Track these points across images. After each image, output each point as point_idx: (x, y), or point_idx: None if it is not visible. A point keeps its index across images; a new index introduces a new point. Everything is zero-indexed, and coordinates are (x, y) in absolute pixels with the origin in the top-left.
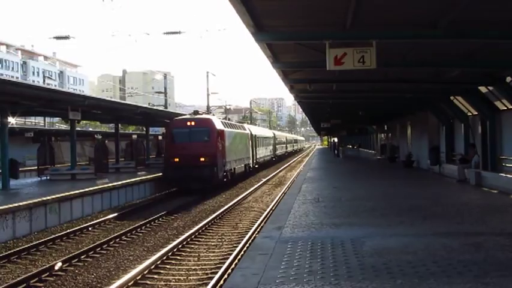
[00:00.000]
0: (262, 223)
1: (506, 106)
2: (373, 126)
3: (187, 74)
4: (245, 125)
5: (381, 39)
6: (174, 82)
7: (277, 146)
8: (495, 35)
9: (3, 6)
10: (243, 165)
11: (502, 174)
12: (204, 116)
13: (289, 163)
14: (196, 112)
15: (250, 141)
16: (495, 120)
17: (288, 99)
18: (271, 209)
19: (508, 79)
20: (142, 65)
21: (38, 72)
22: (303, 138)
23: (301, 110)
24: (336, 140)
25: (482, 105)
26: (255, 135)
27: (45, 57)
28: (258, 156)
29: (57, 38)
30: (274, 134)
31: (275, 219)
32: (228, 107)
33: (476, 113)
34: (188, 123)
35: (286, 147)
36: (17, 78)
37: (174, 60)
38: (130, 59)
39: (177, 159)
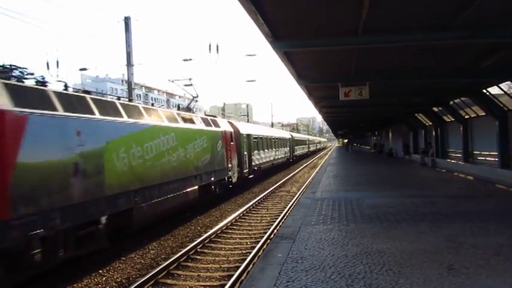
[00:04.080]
0: (305, 189)
1: (449, 119)
2: (368, 132)
3: (261, 103)
4: (218, 119)
5: (371, 81)
6: (253, 109)
7: (296, 147)
8: (440, 76)
9: (157, 69)
10: (196, 187)
11: (448, 160)
12: None
13: (319, 155)
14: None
15: (230, 144)
16: (443, 128)
17: (318, 117)
18: (309, 181)
19: (451, 103)
20: (235, 99)
21: (175, 106)
22: (325, 140)
23: (326, 123)
24: (346, 140)
25: (435, 119)
26: (249, 134)
27: (179, 96)
28: (257, 162)
29: (186, 85)
30: (291, 136)
31: (311, 187)
32: (284, 122)
33: (431, 123)
34: None
35: (309, 147)
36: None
37: (253, 95)
38: (227, 95)
39: None
